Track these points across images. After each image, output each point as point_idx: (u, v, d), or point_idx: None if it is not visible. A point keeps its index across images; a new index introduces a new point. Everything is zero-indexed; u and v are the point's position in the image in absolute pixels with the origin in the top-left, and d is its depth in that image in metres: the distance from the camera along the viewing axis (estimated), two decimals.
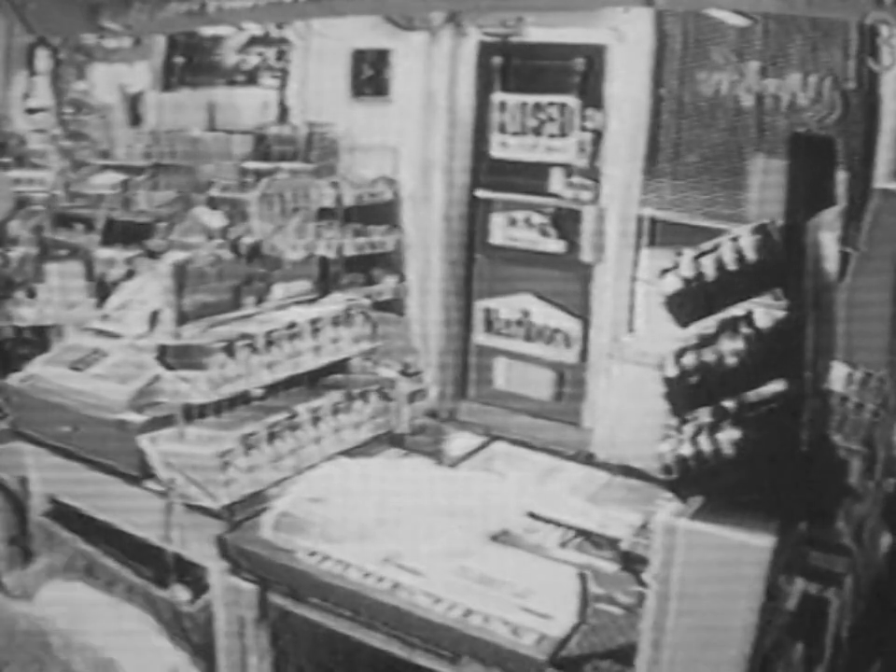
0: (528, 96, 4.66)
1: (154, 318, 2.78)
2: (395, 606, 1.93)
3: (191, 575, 3.20)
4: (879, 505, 2.06)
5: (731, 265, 1.59)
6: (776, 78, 3.97)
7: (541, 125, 4.63)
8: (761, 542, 1.55)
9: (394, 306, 4.61)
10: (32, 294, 4.62)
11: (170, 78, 6.07)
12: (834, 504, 1.73)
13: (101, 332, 4.06)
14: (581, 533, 2.17)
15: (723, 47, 4.10)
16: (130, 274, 4.25)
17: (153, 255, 3.15)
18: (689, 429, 1.68)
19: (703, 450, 1.62)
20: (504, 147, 4.75)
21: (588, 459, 2.63)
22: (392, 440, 2.67)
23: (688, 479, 1.63)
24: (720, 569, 1.53)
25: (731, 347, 1.60)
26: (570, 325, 4.66)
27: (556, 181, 4.59)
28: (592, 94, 4.49)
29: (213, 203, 4.46)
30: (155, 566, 3.41)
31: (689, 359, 1.64)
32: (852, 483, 1.88)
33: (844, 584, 1.83)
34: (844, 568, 1.81)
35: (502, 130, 4.76)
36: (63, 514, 3.76)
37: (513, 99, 4.71)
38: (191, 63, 6.03)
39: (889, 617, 2.04)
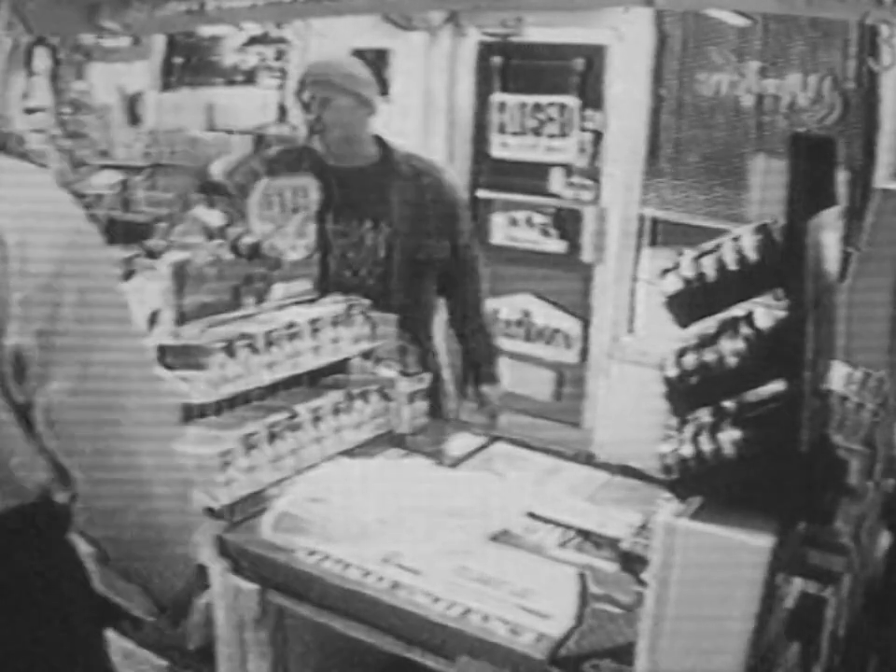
0: (528, 96, 4.67)
1: (153, 318, 2.77)
2: (394, 605, 1.93)
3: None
4: (878, 504, 2.07)
5: (732, 265, 1.59)
6: (775, 79, 3.97)
7: (541, 125, 4.63)
8: (760, 542, 1.54)
9: None
10: None
11: (169, 78, 6.08)
12: (834, 504, 1.73)
13: None
14: (581, 533, 2.17)
15: (723, 47, 4.10)
16: (129, 274, 4.24)
17: (152, 255, 3.15)
18: (689, 430, 1.67)
19: (703, 450, 1.62)
20: (504, 147, 4.75)
21: (588, 459, 2.63)
22: (392, 440, 2.67)
23: (688, 479, 1.63)
24: (719, 569, 1.53)
25: (731, 347, 1.60)
26: (570, 325, 4.66)
27: (557, 181, 4.60)
28: (592, 94, 4.50)
29: (212, 203, 4.45)
30: None
31: (689, 360, 1.64)
32: (852, 482, 1.88)
33: (841, 584, 1.83)
34: (842, 568, 1.80)
35: (502, 130, 4.76)
36: None
37: (513, 99, 4.71)
38: (190, 62, 6.04)
39: (887, 616, 2.04)
